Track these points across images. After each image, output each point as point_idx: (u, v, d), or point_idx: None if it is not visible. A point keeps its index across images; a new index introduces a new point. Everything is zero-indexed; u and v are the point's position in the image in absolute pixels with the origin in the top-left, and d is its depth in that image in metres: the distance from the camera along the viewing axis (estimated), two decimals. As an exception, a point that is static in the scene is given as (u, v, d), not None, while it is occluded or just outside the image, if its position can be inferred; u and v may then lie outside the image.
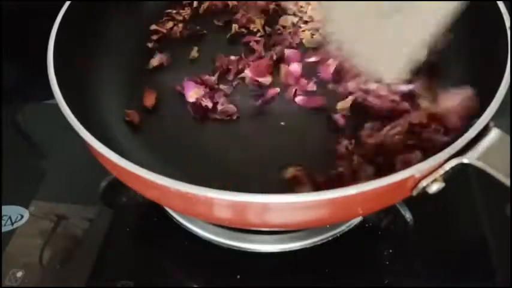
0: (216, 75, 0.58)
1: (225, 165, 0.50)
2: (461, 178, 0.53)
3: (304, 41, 0.61)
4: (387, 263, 0.49)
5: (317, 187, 0.46)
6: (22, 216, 0.54)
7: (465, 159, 0.39)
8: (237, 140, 0.53)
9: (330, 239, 0.51)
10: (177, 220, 0.52)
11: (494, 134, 0.40)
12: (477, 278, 0.48)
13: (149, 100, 0.56)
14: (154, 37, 0.63)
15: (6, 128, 0.63)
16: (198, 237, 0.51)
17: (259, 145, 0.52)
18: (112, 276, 0.49)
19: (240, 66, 0.58)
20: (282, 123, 0.53)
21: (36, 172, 0.59)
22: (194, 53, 0.61)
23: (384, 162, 0.47)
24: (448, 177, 0.39)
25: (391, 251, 0.50)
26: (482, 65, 0.50)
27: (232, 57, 0.59)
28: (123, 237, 0.53)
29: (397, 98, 0.51)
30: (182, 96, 0.56)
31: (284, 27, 0.63)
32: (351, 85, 0.53)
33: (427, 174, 0.39)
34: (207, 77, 0.57)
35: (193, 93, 0.55)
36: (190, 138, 0.53)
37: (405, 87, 0.51)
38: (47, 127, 0.62)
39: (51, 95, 0.44)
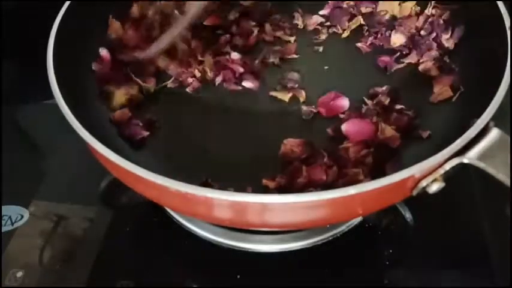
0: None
1: (224, 165, 0.50)
2: (461, 178, 0.53)
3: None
4: (387, 263, 0.49)
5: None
6: (22, 216, 0.54)
7: (465, 159, 0.39)
8: (236, 139, 0.53)
9: (330, 239, 0.51)
10: (177, 220, 0.52)
11: (494, 133, 0.40)
12: (477, 278, 0.48)
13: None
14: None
15: (6, 128, 0.63)
16: (198, 237, 0.51)
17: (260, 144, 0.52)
18: (112, 276, 0.49)
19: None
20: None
21: (36, 172, 0.59)
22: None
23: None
24: (448, 177, 0.39)
25: (391, 251, 0.50)
26: (482, 65, 0.50)
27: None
28: (123, 237, 0.53)
29: None
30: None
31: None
32: None
33: (427, 174, 0.39)
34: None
35: None
36: (190, 138, 0.53)
37: None
38: (47, 127, 0.62)
39: (51, 95, 0.44)
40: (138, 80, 0.56)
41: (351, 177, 0.47)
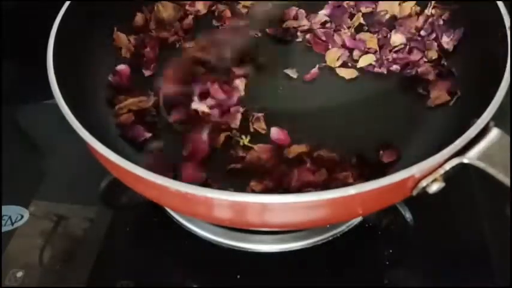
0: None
1: (224, 166, 0.50)
2: (461, 178, 0.53)
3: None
4: (387, 263, 0.49)
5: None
6: (22, 216, 0.54)
7: (465, 159, 0.39)
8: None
9: (330, 239, 0.51)
10: (177, 220, 0.52)
11: (494, 133, 0.40)
12: (477, 278, 0.48)
13: None
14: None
15: (6, 128, 0.63)
16: (198, 237, 0.51)
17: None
18: (112, 276, 0.49)
19: None
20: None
21: (36, 172, 0.59)
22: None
23: None
24: (448, 177, 0.39)
25: (391, 251, 0.50)
26: (482, 65, 0.50)
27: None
28: (123, 237, 0.53)
29: None
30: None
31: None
32: None
33: (427, 174, 0.39)
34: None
35: None
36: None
37: None
38: (47, 127, 0.62)
39: (51, 95, 0.44)
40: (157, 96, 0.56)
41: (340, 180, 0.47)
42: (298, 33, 0.63)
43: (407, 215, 0.51)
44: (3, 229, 0.53)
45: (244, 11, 0.65)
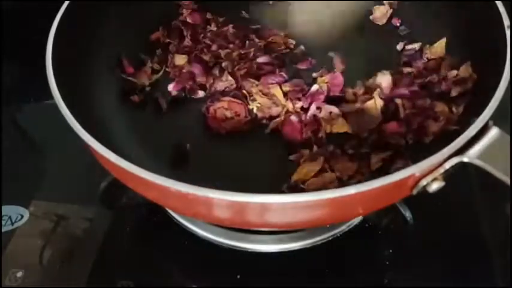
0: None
1: (226, 167, 0.50)
2: (461, 177, 0.53)
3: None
4: (387, 263, 0.49)
5: None
6: (22, 216, 0.54)
7: (465, 158, 0.39)
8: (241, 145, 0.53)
9: (330, 239, 0.51)
10: (177, 220, 0.52)
11: (493, 132, 0.40)
12: (477, 278, 0.48)
13: None
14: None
15: (6, 128, 0.63)
16: (198, 237, 0.51)
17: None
18: (112, 276, 0.49)
19: None
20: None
21: (36, 172, 0.59)
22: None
23: None
24: (448, 176, 0.39)
25: (391, 251, 0.50)
26: (482, 64, 0.50)
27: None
28: (123, 237, 0.53)
29: None
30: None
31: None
32: None
33: (427, 173, 0.39)
34: None
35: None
36: (191, 140, 0.53)
37: None
38: (47, 127, 0.62)
39: (51, 95, 0.44)
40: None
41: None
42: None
43: (407, 215, 0.51)
44: (3, 229, 0.53)
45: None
